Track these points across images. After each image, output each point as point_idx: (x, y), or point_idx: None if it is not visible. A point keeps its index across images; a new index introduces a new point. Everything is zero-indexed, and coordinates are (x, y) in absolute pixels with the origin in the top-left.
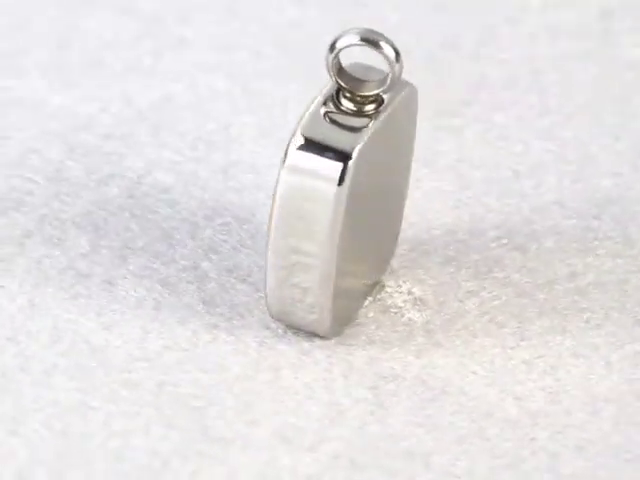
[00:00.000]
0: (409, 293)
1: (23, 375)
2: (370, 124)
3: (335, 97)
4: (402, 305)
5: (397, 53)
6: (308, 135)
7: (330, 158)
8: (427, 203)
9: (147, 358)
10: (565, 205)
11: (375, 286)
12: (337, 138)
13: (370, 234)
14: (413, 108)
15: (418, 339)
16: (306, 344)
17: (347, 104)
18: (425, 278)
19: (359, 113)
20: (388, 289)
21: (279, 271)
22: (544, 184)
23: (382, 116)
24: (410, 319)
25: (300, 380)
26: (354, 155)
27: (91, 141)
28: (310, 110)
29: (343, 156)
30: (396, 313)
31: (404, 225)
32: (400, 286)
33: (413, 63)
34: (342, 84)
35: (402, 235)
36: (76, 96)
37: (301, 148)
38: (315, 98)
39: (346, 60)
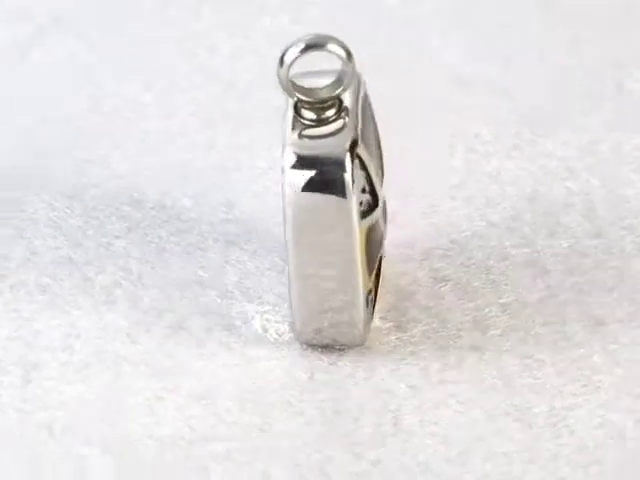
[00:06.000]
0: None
1: None
2: (345, 125)
3: (296, 112)
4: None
5: (347, 52)
6: (299, 151)
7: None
8: None
9: None
10: None
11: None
12: (325, 146)
13: None
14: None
15: None
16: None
17: (309, 115)
18: None
19: (324, 121)
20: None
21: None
22: None
23: (353, 114)
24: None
25: None
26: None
27: None
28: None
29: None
30: None
31: None
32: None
33: None
34: (301, 97)
35: None
36: None
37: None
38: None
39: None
